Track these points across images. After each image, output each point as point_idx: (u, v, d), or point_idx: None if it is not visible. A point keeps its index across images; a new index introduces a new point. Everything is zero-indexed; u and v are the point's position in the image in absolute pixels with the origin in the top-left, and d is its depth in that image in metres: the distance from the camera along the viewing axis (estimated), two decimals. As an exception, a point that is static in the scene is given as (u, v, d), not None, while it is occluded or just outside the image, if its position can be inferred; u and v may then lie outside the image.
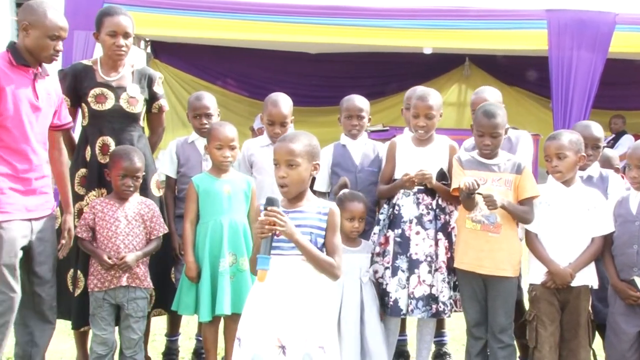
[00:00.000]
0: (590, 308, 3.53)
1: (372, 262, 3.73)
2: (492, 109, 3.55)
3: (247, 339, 2.79)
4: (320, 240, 2.82)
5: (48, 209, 3.34)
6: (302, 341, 2.73)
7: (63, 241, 3.42)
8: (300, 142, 2.82)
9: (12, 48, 3.19)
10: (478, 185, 3.36)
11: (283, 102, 3.93)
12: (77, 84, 3.65)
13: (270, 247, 2.71)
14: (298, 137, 2.85)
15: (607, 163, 3.97)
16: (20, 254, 3.21)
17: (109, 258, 3.43)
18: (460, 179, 3.47)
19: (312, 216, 2.82)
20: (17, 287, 3.16)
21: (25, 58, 3.19)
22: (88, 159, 3.65)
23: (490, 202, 3.38)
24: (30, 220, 3.23)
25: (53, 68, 3.44)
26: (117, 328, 3.60)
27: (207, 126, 3.95)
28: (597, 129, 3.77)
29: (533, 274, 3.51)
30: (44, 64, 3.28)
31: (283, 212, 2.72)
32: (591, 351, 3.55)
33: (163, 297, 3.80)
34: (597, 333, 3.62)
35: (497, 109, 3.58)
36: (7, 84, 3.10)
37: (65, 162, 3.51)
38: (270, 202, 2.73)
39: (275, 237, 2.73)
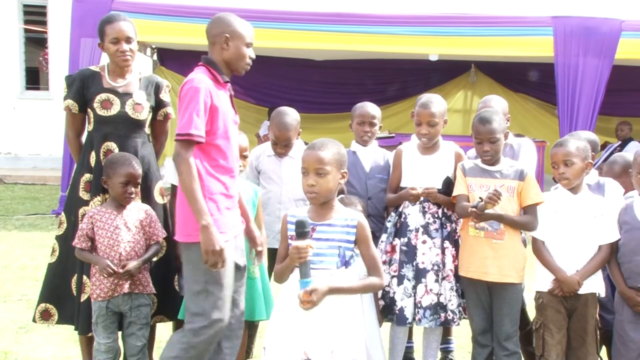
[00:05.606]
0: (597, 316, 3.51)
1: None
2: (487, 115, 3.56)
3: (272, 349, 2.78)
4: (349, 253, 2.79)
5: (242, 224, 3.30)
6: (329, 355, 2.69)
7: (259, 248, 3.43)
8: (329, 150, 2.79)
9: (212, 65, 3.12)
10: (484, 208, 3.35)
11: (289, 123, 3.95)
12: (84, 90, 3.65)
13: (309, 270, 2.67)
14: (327, 145, 2.81)
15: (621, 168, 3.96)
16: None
17: (110, 267, 3.37)
18: (460, 187, 3.55)
19: (340, 230, 2.79)
20: (229, 311, 3.11)
21: (225, 73, 3.15)
22: (93, 164, 3.63)
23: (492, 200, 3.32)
24: (235, 237, 3.20)
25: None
26: (120, 334, 3.58)
27: None
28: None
29: (539, 281, 3.49)
30: None
31: (313, 225, 2.72)
32: (599, 359, 3.53)
33: (165, 304, 3.78)
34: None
35: (493, 114, 3.58)
36: (218, 102, 3.05)
37: None
38: (301, 225, 2.69)
39: None
